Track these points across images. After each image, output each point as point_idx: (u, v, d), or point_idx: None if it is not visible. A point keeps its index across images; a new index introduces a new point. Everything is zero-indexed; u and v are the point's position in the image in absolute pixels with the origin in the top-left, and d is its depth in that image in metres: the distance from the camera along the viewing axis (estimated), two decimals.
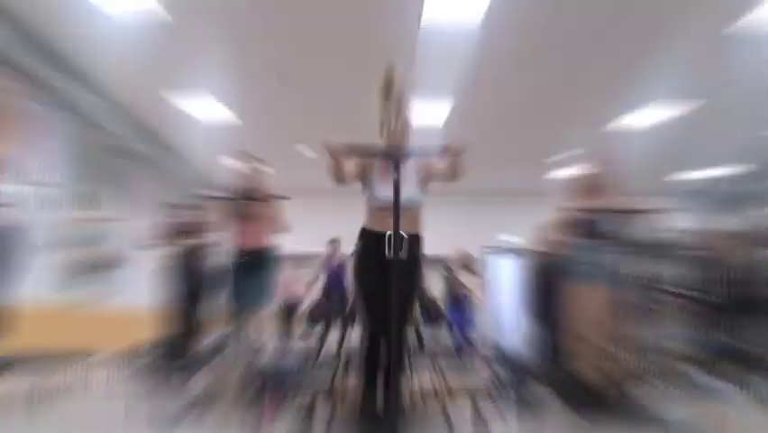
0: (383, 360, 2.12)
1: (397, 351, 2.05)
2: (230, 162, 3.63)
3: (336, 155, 2.15)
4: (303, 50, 4.73)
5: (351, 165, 2.27)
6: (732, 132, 6.72)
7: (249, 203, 3.21)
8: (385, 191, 2.13)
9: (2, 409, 2.93)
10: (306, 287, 7.80)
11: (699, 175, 8.54)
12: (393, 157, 1.94)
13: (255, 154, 3.42)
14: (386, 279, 1.84)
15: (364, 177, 2.33)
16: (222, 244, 4.61)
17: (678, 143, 7.04)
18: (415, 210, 2.32)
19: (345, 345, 6.06)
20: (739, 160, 7.88)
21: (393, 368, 1.94)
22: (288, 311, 7.46)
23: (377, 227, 2.24)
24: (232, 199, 3.31)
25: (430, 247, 6.69)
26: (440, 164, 2.33)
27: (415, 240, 2.30)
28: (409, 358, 2.86)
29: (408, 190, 2.15)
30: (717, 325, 5.24)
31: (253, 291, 3.23)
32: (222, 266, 3.90)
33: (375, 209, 2.29)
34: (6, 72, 4.51)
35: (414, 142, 2.38)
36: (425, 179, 2.38)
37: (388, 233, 1.89)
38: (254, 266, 3.23)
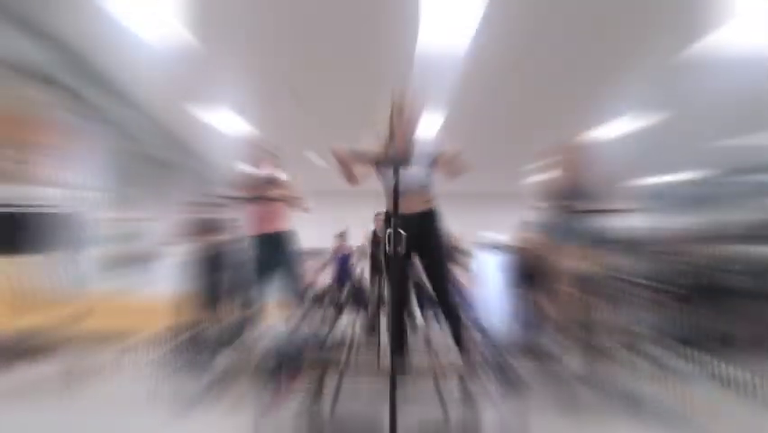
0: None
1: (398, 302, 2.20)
2: (247, 155, 3.56)
3: (343, 160, 2.25)
4: (313, 67, 5.14)
5: (359, 167, 2.34)
6: (692, 141, 7.16)
7: (265, 189, 3.14)
8: (391, 180, 2.20)
9: (44, 388, 3.14)
10: (315, 274, 8.27)
11: (664, 179, 9.00)
12: (393, 164, 2.04)
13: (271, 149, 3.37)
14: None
15: (375, 168, 2.39)
16: (240, 240, 4.95)
17: (645, 151, 7.51)
18: (425, 191, 2.41)
19: (354, 327, 6.42)
20: (699, 166, 8.36)
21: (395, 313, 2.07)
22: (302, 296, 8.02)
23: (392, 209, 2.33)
24: (247, 198, 3.28)
25: None
26: (440, 164, 2.43)
27: (428, 215, 2.40)
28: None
29: (416, 174, 2.26)
30: (680, 313, 5.58)
31: (278, 272, 3.14)
32: (241, 257, 4.15)
33: (389, 192, 2.34)
34: (54, 91, 4.88)
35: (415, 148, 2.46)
36: (432, 164, 2.45)
37: (389, 230, 2.01)
38: (275, 248, 3.14)
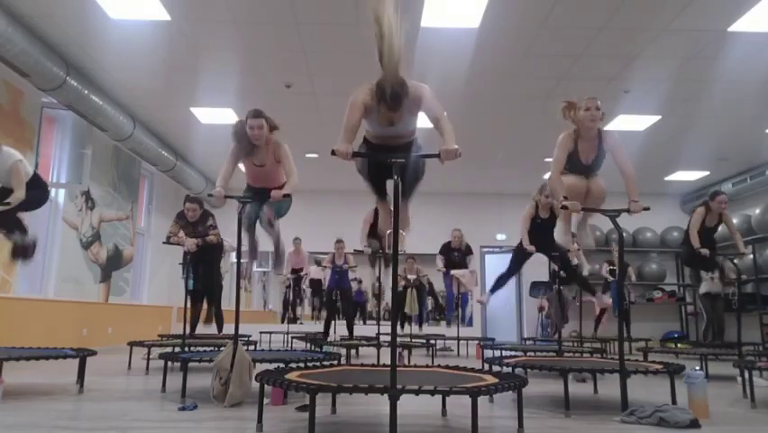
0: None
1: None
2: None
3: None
4: (310, 68, 5.04)
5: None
6: (698, 141, 7.00)
7: (260, 151, 3.36)
8: (381, 128, 2.37)
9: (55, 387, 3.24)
10: (312, 265, 8.14)
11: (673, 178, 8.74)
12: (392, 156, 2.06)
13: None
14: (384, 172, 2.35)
15: (366, 116, 2.40)
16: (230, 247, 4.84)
17: (652, 150, 7.28)
18: (410, 133, 2.48)
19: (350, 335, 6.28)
20: (711, 165, 8.08)
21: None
22: (295, 280, 7.94)
23: (375, 141, 2.51)
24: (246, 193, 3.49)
25: (430, 244, 6.96)
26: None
27: (410, 145, 2.49)
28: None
29: (403, 123, 2.34)
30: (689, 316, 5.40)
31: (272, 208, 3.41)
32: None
33: (373, 134, 2.50)
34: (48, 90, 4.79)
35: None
36: (415, 107, 2.41)
37: (389, 231, 2.12)
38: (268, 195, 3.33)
